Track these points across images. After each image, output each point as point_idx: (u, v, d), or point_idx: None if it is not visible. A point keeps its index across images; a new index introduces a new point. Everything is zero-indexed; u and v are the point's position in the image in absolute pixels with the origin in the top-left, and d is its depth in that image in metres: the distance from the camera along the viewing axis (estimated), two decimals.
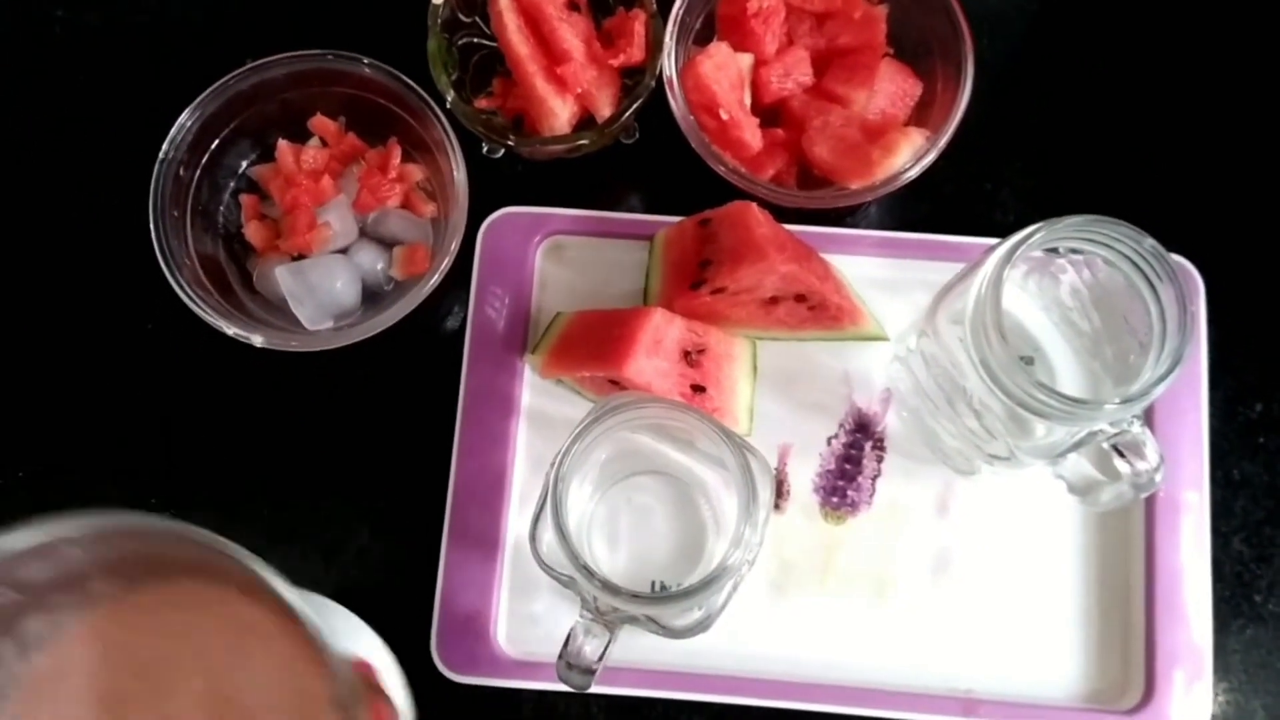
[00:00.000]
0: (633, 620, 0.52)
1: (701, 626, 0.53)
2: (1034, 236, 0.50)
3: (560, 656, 0.53)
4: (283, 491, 0.66)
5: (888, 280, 0.67)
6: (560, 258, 0.68)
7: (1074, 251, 0.55)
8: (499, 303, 0.66)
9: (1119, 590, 0.63)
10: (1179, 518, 0.63)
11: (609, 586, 0.50)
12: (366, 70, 0.64)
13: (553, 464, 0.51)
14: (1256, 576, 0.65)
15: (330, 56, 0.64)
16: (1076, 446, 0.55)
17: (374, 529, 0.65)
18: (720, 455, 0.52)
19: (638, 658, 0.61)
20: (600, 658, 0.53)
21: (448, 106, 0.63)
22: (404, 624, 0.62)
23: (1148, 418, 0.64)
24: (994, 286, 0.50)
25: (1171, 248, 0.66)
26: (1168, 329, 0.51)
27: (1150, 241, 0.51)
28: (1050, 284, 0.61)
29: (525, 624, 0.63)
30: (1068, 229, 0.51)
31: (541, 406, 0.66)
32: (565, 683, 0.54)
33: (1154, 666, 0.61)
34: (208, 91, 0.63)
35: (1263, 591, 0.65)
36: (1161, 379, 0.50)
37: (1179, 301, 0.50)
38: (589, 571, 0.50)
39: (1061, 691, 0.62)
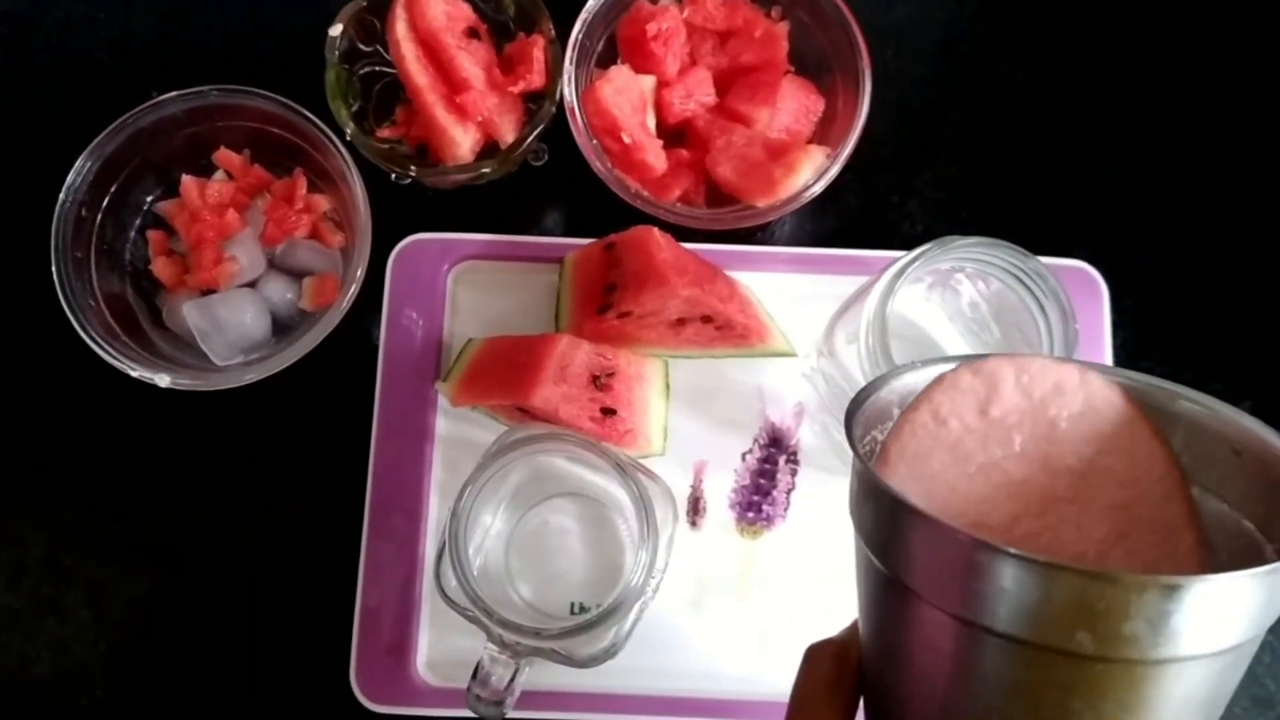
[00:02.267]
0: (538, 652, 0.53)
1: (607, 655, 0.53)
2: (918, 260, 0.51)
3: (469, 688, 0.54)
4: (197, 524, 0.66)
5: (799, 295, 0.67)
6: (472, 283, 0.68)
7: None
8: (411, 330, 0.66)
9: None
10: None
11: (509, 624, 0.50)
12: (267, 104, 0.64)
13: (451, 514, 0.51)
14: None
15: (227, 91, 0.64)
16: None
17: (289, 559, 0.65)
18: (619, 482, 0.52)
19: (559, 682, 0.62)
20: (508, 687, 0.53)
21: (348, 139, 0.63)
22: (322, 653, 0.63)
23: None
24: (880, 309, 0.50)
25: (1077, 254, 0.67)
26: (1054, 344, 0.52)
27: (1034, 262, 0.51)
28: (953, 297, 0.61)
29: (448, 652, 0.63)
30: (953, 251, 0.51)
31: (457, 432, 0.66)
32: (476, 714, 0.54)
33: None
34: (105, 132, 0.63)
35: None
36: None
37: (1063, 319, 0.51)
38: (488, 611, 0.50)
39: None
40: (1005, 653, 0.29)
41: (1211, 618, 0.27)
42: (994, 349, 0.61)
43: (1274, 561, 0.28)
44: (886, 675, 0.35)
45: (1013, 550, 0.27)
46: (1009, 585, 0.27)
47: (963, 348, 0.63)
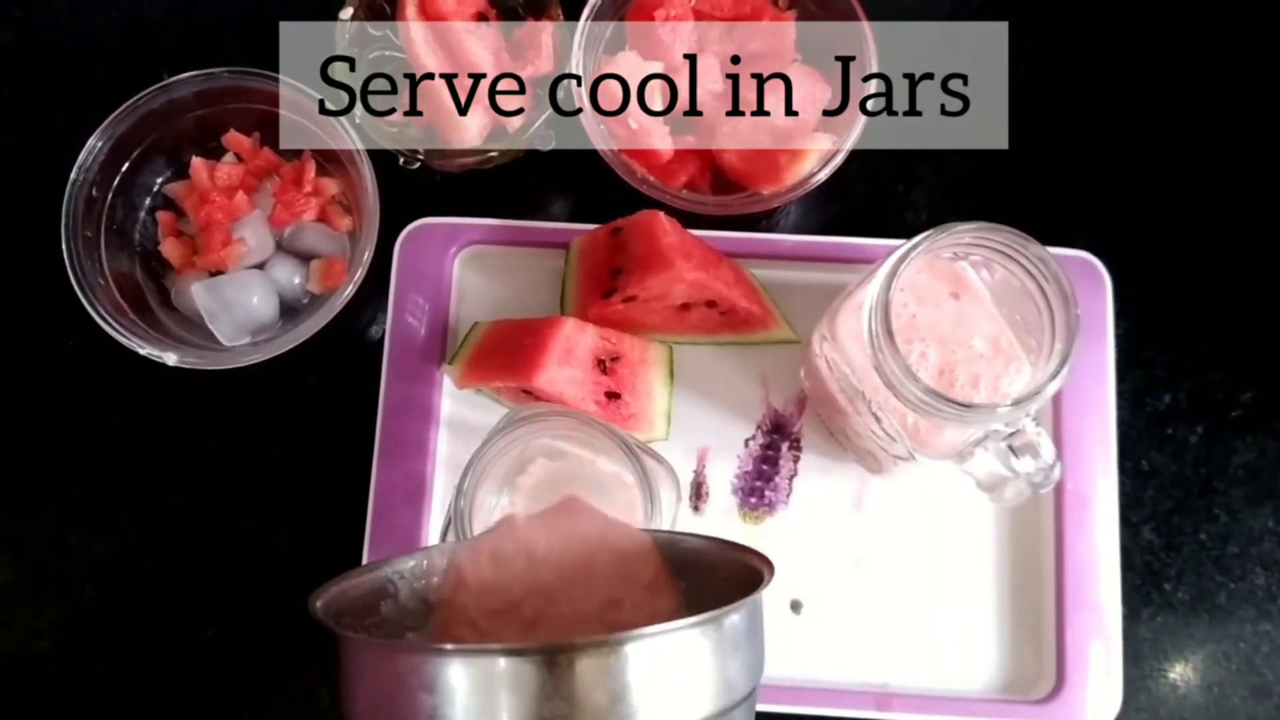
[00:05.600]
0: None
1: None
2: (920, 246, 0.51)
3: None
4: (205, 504, 0.67)
5: (802, 282, 0.68)
6: (478, 267, 0.69)
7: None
8: (418, 313, 0.67)
9: (1030, 582, 0.64)
10: (1088, 509, 0.64)
11: None
12: (277, 86, 0.64)
13: (456, 490, 0.52)
14: (1166, 565, 0.66)
15: (237, 74, 0.64)
16: (975, 446, 0.56)
17: (294, 538, 0.66)
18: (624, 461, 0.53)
19: None
20: None
21: (357, 122, 0.64)
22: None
23: (1055, 411, 0.65)
24: (883, 295, 0.51)
25: (1080, 244, 0.68)
26: (1056, 331, 0.52)
27: (1035, 247, 0.51)
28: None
29: None
30: (953, 237, 0.51)
31: (462, 414, 0.67)
32: None
33: (1064, 656, 0.62)
34: (116, 112, 0.63)
35: (1172, 579, 0.66)
36: (1050, 379, 0.51)
37: (1064, 305, 0.51)
38: None
39: (975, 683, 0.63)
40: None
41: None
42: (999, 335, 0.61)
43: None
44: None
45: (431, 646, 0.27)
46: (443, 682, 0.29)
47: None
